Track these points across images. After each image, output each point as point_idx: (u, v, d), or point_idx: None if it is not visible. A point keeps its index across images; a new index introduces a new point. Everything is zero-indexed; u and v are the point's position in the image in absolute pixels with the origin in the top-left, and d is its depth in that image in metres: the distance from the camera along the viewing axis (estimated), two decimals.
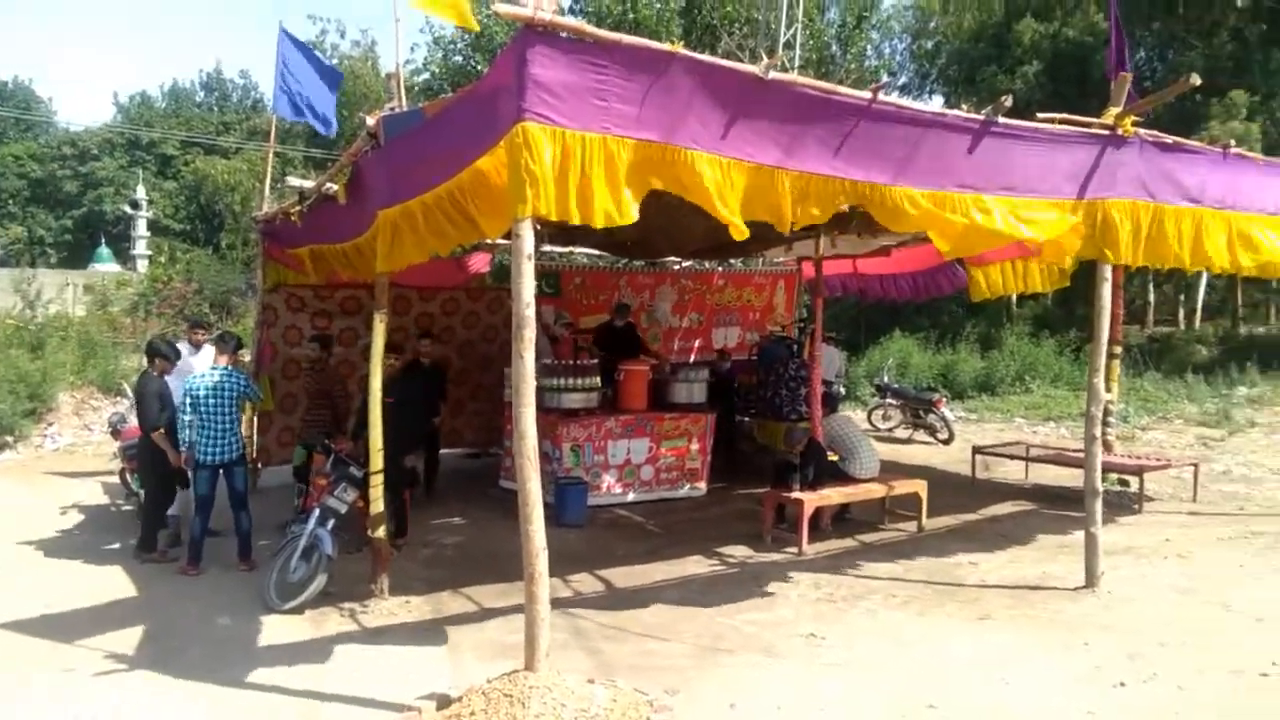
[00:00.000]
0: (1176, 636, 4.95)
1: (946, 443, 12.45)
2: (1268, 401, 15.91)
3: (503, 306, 10.08)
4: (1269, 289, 30.97)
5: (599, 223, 4.02)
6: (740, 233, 4.41)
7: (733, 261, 12.78)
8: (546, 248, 10.71)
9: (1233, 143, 6.82)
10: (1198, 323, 31.31)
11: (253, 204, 19.95)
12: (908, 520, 7.83)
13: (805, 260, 10.45)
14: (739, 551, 7.02)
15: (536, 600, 4.03)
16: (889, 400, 13.59)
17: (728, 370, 10.59)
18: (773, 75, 4.53)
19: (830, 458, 7.86)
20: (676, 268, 12.12)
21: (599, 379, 8.59)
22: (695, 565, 6.65)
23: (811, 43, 23.14)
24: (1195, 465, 9.08)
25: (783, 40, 18.68)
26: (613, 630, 5.23)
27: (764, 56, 5.21)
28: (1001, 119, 5.32)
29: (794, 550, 6.98)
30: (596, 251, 11.52)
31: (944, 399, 13.31)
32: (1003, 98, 5.33)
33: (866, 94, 4.87)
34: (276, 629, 5.31)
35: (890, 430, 13.42)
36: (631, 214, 4.11)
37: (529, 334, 4.00)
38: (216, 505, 6.49)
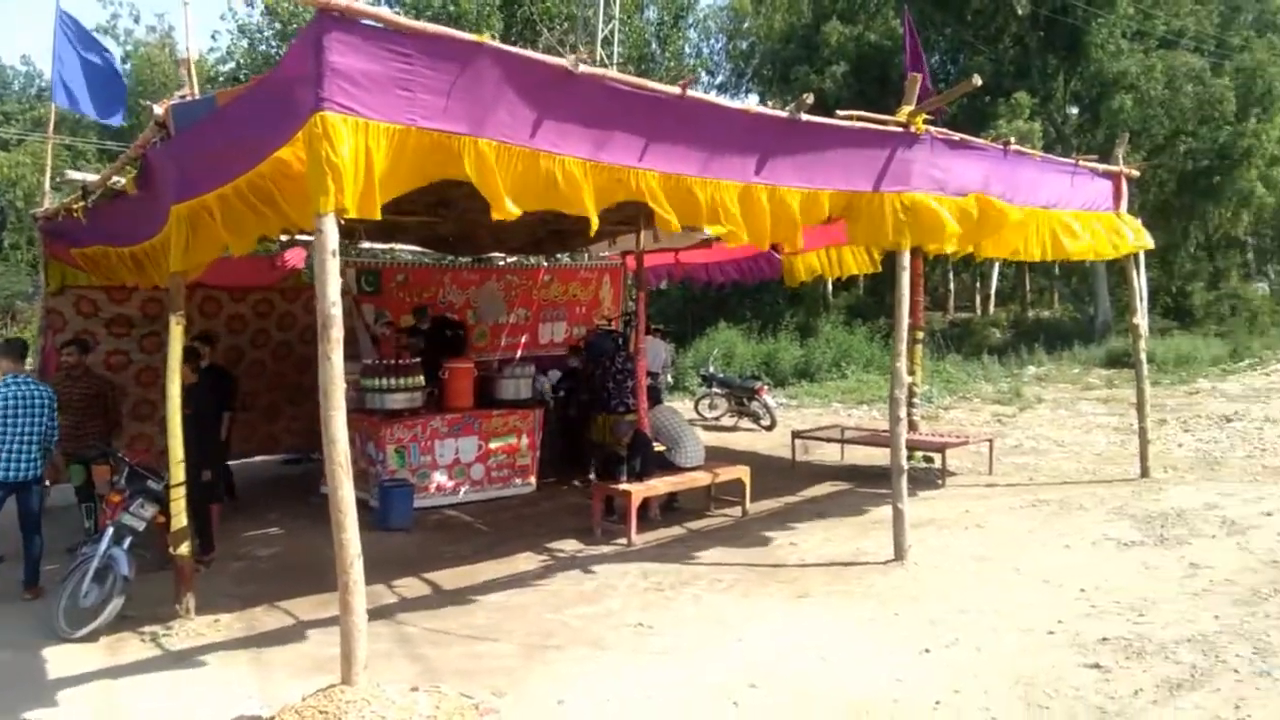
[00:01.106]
0: (975, 602, 5.33)
1: (769, 429, 12.92)
2: (1052, 379, 17.48)
3: None
4: (1053, 275, 33.95)
5: (393, 218, 3.90)
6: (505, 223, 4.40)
7: (559, 256, 12.76)
8: (366, 245, 10.34)
9: (1012, 140, 7.39)
10: (992, 308, 33.93)
11: (36, 199, 18.27)
12: (733, 506, 8.06)
13: (629, 254, 10.58)
14: (569, 546, 7.02)
15: (352, 610, 3.87)
16: (715, 390, 13.97)
17: (580, 365, 10.53)
18: (583, 69, 4.53)
19: (657, 448, 7.99)
20: (501, 264, 11.98)
21: (422, 378, 8.37)
22: (525, 562, 6.59)
23: (631, 40, 23.44)
24: (990, 441, 9.82)
25: (600, 36, 18.81)
26: (439, 634, 5.10)
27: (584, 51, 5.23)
28: (805, 116, 5.54)
29: (624, 542, 7.05)
30: (419, 249, 11.21)
31: (766, 387, 13.81)
32: (804, 95, 5.55)
33: (676, 89, 4.96)
34: (67, 660, 4.85)
35: (717, 419, 13.80)
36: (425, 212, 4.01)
37: (336, 334, 3.82)
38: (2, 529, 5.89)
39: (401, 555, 6.65)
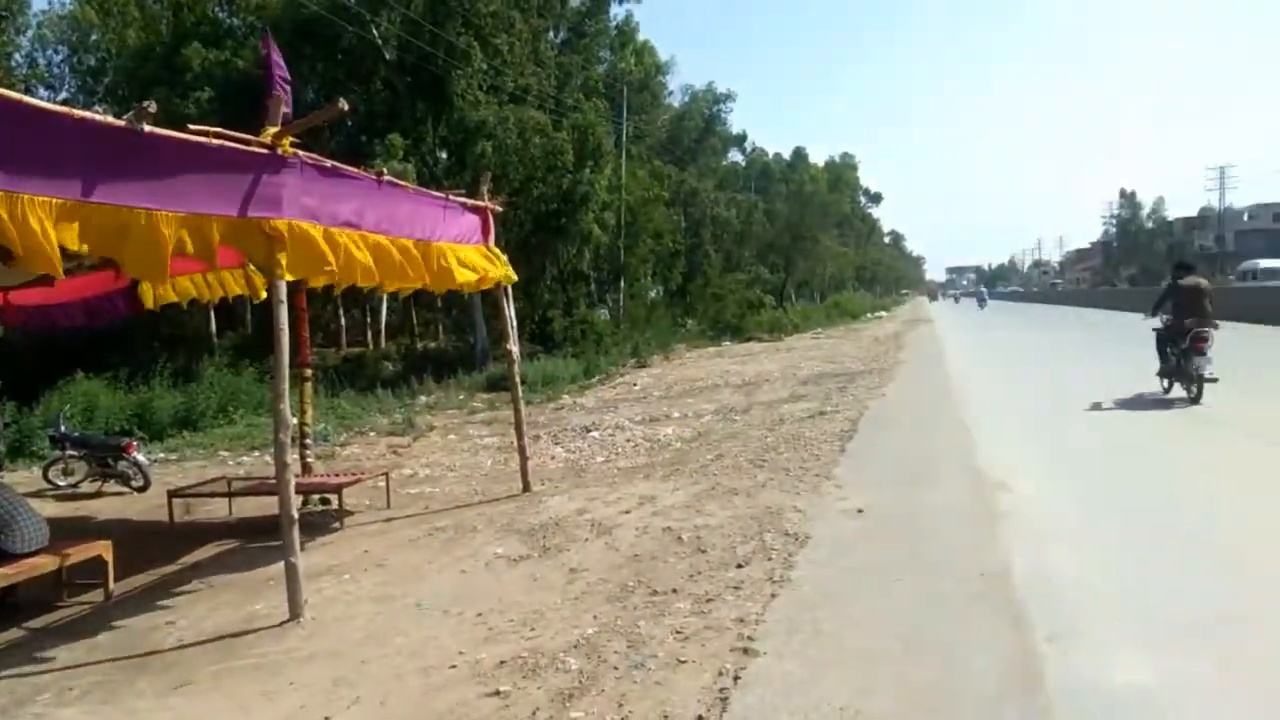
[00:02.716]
0: (376, 650, 5.10)
1: (142, 490, 11.27)
2: (442, 406, 18.31)
3: None
4: (437, 308, 35.99)
5: None
6: None
7: None
8: None
9: (385, 171, 7.40)
10: (384, 342, 34.72)
11: None
12: (95, 588, 6.74)
13: None
14: None
15: None
16: (70, 451, 11.75)
17: None
18: None
19: None
20: None
21: None
22: None
23: None
24: (386, 474, 9.78)
25: None
26: None
27: None
28: (149, 127, 4.80)
29: None
30: None
31: (135, 443, 12.05)
32: (146, 104, 4.80)
33: None
34: None
35: (75, 485, 11.63)
36: None
37: None
38: None
39: None
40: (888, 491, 7.87)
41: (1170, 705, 3.75)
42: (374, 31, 24.75)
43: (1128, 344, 20.18)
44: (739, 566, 5.93)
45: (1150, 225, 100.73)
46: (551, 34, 33.80)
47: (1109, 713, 3.73)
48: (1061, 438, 10.33)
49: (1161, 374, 12.86)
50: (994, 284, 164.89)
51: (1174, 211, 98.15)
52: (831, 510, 7.30)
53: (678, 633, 4.85)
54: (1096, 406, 12.17)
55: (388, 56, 25.10)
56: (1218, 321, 12.51)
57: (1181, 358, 12.20)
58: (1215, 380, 11.76)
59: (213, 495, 9.42)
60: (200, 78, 23.26)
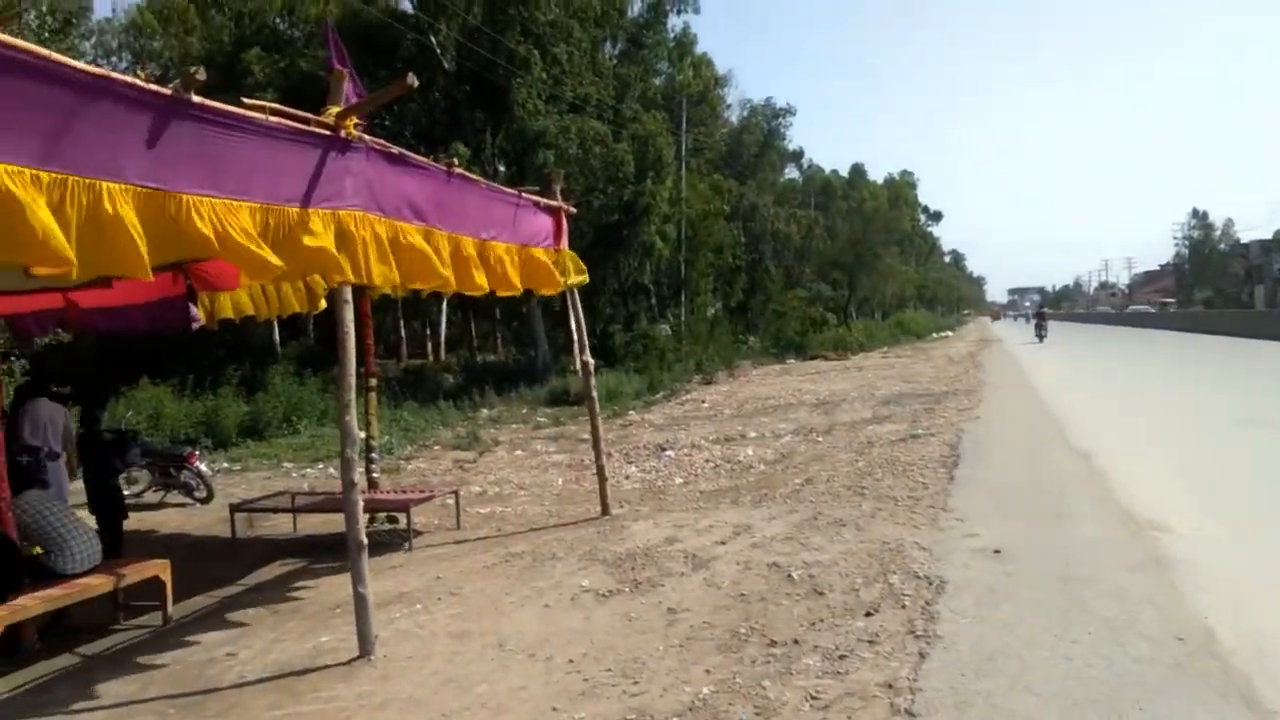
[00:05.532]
0: (457, 700, 4.45)
1: (205, 501, 10.88)
2: (505, 420, 17.80)
3: None
4: (495, 320, 35.70)
5: None
6: None
7: None
8: None
9: (455, 161, 6.73)
10: (443, 354, 34.53)
11: None
12: (152, 611, 6.25)
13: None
14: None
15: None
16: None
17: None
18: None
19: (33, 551, 5.89)
20: None
21: None
22: None
23: None
24: (456, 492, 9.19)
25: None
26: None
27: None
28: (198, 98, 4.19)
29: None
30: None
31: (198, 453, 11.68)
32: (195, 69, 4.10)
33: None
34: None
35: (139, 495, 11.30)
36: None
37: None
38: None
39: None
40: (1019, 526, 7.03)
41: None
42: (433, 40, 24.56)
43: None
44: (867, 614, 5.17)
45: (1223, 247, 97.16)
46: (610, 45, 33.43)
47: None
48: (1207, 465, 9.38)
49: None
50: (1059, 304, 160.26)
51: (1243, 236, 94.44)
52: (961, 548, 6.48)
53: (814, 698, 4.10)
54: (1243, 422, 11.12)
55: (446, 65, 24.87)
56: None
57: None
58: None
59: (276, 510, 8.94)
60: (262, 83, 23.24)
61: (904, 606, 5.24)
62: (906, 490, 8.62)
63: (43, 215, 3.39)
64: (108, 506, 8.03)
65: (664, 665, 4.68)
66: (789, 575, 6.08)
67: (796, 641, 4.85)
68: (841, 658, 4.56)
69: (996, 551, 6.33)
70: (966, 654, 4.47)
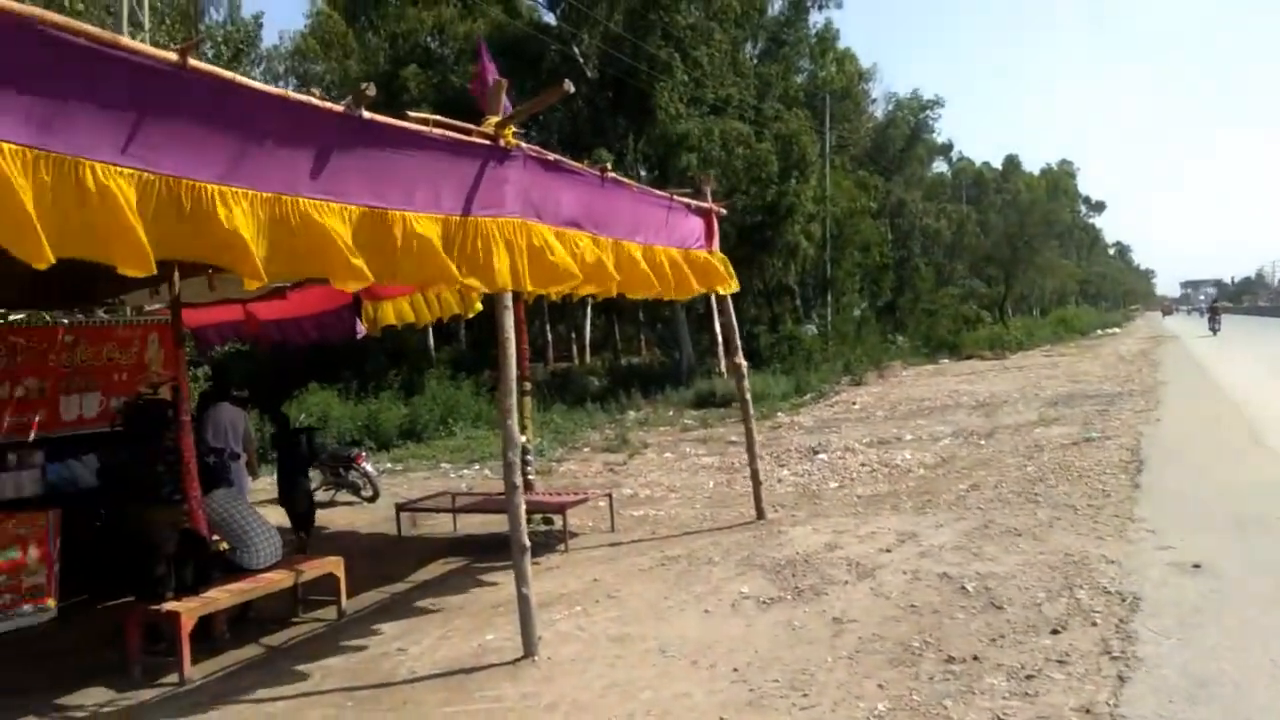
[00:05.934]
0: (622, 705, 4.40)
1: (372, 500, 11.39)
2: (652, 423, 17.85)
3: None
4: (639, 322, 35.97)
5: None
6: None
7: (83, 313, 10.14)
8: None
9: (609, 166, 6.74)
10: (588, 357, 35.06)
11: None
12: (328, 605, 6.54)
13: (186, 307, 8.54)
14: (95, 695, 5.05)
15: None
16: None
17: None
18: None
19: (220, 547, 6.26)
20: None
21: None
22: None
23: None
24: (610, 494, 9.25)
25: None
26: None
27: None
28: (368, 113, 4.34)
29: (175, 680, 5.22)
30: None
31: (364, 453, 12.24)
32: (365, 85, 4.29)
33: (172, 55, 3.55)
34: None
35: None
36: None
37: None
38: None
39: None
40: (1219, 539, 6.42)
41: None
42: (576, 49, 24.99)
43: None
44: (1054, 632, 4.81)
45: None
46: (750, 44, 33.11)
47: None
48: None
49: None
50: (1239, 298, 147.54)
51: None
52: (1154, 562, 5.97)
53: None
54: None
55: (589, 73, 25.26)
56: None
57: None
58: None
59: (437, 510, 9.22)
60: (417, 99, 24.25)
61: (1095, 624, 4.85)
62: (1085, 498, 8.04)
63: (238, 223, 3.63)
64: (302, 501, 8.48)
65: (834, 678, 4.49)
66: (962, 587, 5.75)
67: (976, 658, 4.56)
68: (1029, 677, 4.24)
69: (1196, 566, 5.79)
70: (1174, 679, 4.08)
